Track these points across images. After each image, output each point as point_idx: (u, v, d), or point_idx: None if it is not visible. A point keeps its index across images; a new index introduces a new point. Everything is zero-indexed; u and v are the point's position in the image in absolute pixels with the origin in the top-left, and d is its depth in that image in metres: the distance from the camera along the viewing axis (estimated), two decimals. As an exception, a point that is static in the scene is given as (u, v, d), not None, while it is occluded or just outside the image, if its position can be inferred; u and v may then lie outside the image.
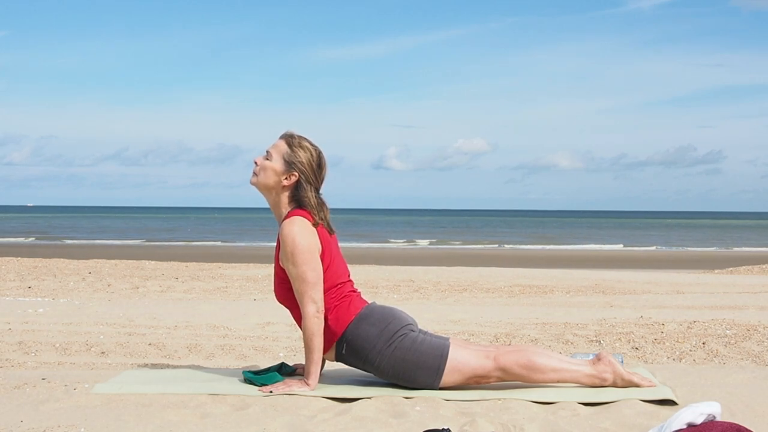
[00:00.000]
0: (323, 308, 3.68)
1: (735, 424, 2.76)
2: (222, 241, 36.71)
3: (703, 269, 17.68)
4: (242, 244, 34.68)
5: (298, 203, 3.77)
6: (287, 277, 3.74)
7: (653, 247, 35.07)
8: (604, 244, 38.03)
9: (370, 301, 3.87)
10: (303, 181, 3.75)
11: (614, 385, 3.67)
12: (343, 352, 3.75)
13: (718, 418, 2.84)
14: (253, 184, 3.83)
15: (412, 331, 3.73)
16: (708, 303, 8.59)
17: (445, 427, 3.04)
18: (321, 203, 3.78)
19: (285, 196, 3.78)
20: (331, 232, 3.80)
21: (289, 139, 3.78)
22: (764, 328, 6.25)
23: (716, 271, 16.29)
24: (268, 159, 3.78)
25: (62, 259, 16.00)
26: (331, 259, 3.75)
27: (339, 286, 3.77)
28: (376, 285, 10.74)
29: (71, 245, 31.90)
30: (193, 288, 10.35)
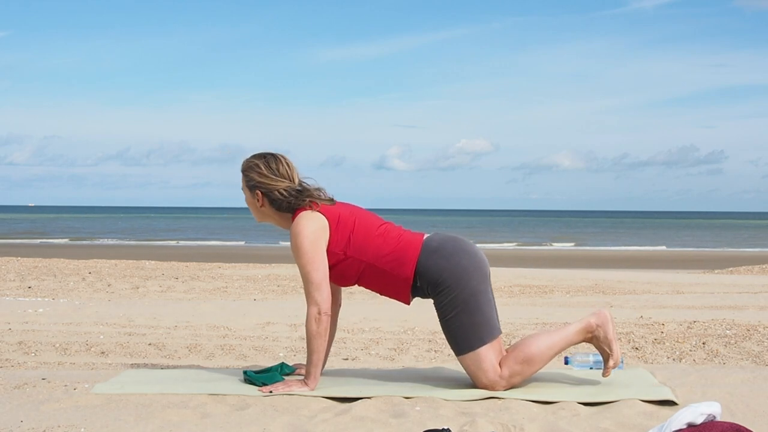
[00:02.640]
0: (328, 310, 3.67)
1: (735, 424, 2.76)
2: (222, 241, 36.70)
3: (703, 269, 17.68)
4: (242, 244, 34.67)
5: (281, 208, 3.80)
6: (331, 266, 3.75)
7: (653, 247, 35.07)
8: (604, 244, 38.03)
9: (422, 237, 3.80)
10: (266, 192, 3.80)
11: (595, 337, 3.73)
12: (418, 284, 3.73)
13: (718, 418, 2.84)
14: (260, 223, 3.97)
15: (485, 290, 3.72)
16: (708, 303, 8.59)
17: (445, 427, 3.04)
18: (299, 191, 3.79)
19: (273, 212, 3.84)
20: (331, 202, 3.81)
21: (242, 171, 3.88)
22: (764, 328, 6.25)
23: (716, 271, 16.28)
24: (246, 199, 3.90)
25: (62, 259, 16.00)
26: (354, 219, 3.75)
27: (380, 231, 3.75)
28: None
29: (71, 245, 31.89)
30: (193, 288, 10.35)
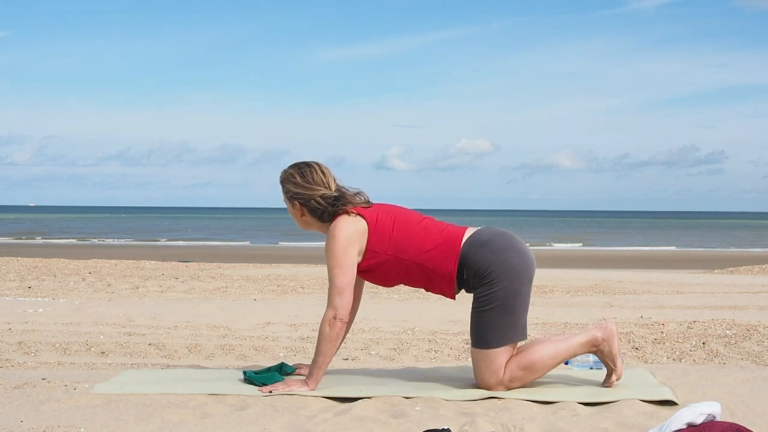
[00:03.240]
0: (345, 317, 3.66)
1: (735, 424, 2.76)
2: (222, 241, 36.71)
3: (703, 269, 17.67)
4: (242, 244, 34.68)
5: (322, 217, 3.80)
6: (370, 265, 3.75)
7: (653, 248, 35.06)
8: (604, 244, 38.02)
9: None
10: (304, 202, 3.80)
11: (600, 350, 3.73)
12: (464, 277, 3.71)
13: (718, 418, 2.84)
14: (305, 230, 3.98)
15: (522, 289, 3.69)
16: (708, 303, 8.59)
17: (445, 427, 3.04)
18: (336, 197, 3.78)
19: (314, 220, 3.83)
20: (368, 204, 3.80)
21: (280, 183, 3.89)
22: (764, 328, 6.25)
23: (716, 271, 16.28)
24: (288, 210, 3.90)
25: (62, 259, 16.00)
26: (393, 218, 3.75)
27: (421, 227, 3.75)
28: (377, 285, 10.72)
29: (71, 245, 31.89)
30: (193, 288, 10.35)
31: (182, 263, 15.48)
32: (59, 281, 10.92)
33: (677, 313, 7.53)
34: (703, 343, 5.62)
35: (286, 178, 3.85)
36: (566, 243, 38.06)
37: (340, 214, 3.74)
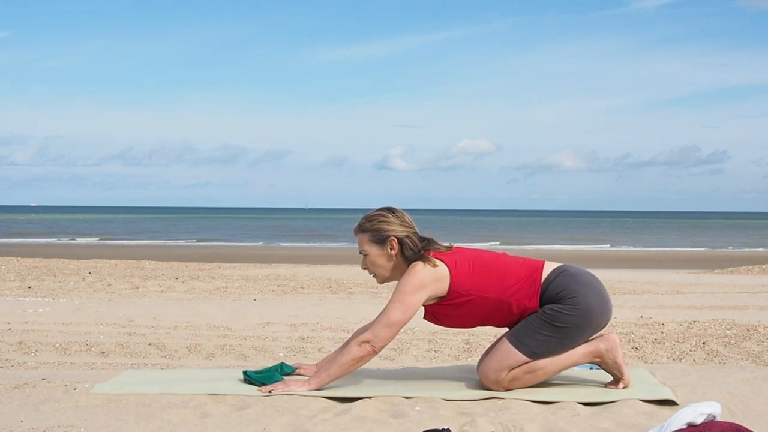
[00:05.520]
0: (378, 349, 3.64)
1: (735, 424, 2.76)
2: (222, 241, 36.71)
3: (703, 269, 17.67)
4: (242, 244, 34.67)
5: (411, 257, 3.76)
6: (443, 309, 3.74)
7: (655, 248, 35.06)
8: (605, 244, 38.02)
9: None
10: (401, 239, 3.76)
11: (604, 362, 3.73)
12: (544, 298, 3.71)
13: (718, 418, 2.84)
14: (384, 282, 3.90)
15: (584, 325, 3.68)
16: (708, 303, 8.59)
17: (445, 427, 3.04)
18: (425, 238, 3.79)
19: (401, 262, 3.78)
20: (449, 248, 3.80)
21: (365, 224, 3.82)
22: (764, 328, 6.25)
23: (716, 271, 16.28)
24: (367, 255, 3.83)
25: (62, 259, 16.00)
26: (471, 259, 3.74)
27: (499, 264, 3.75)
28: (376, 285, 10.73)
29: (71, 245, 31.89)
30: (193, 288, 10.35)
31: (182, 263, 15.48)
32: (59, 281, 10.92)
33: (677, 313, 7.53)
34: (703, 343, 5.62)
35: (376, 219, 3.80)
36: (566, 243, 38.08)
37: (420, 259, 3.74)
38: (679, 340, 5.74)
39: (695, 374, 4.18)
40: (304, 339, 5.82)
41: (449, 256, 3.75)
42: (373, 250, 3.80)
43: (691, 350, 5.42)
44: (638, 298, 9.40)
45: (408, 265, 3.74)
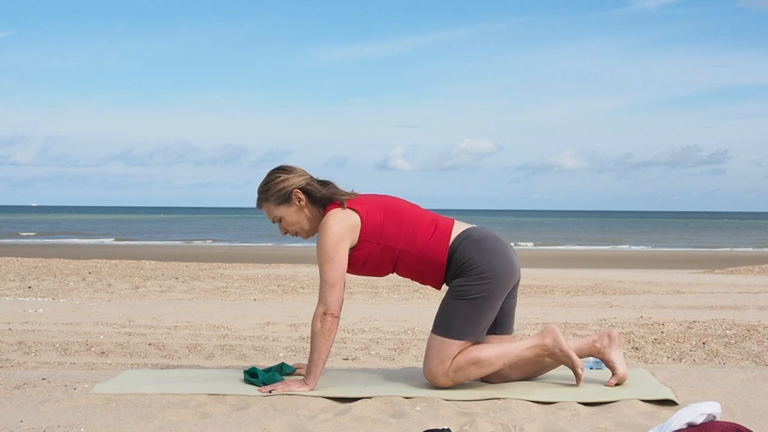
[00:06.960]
0: (336, 312, 3.65)
1: (735, 424, 2.76)
2: (222, 241, 36.70)
3: (703, 269, 17.66)
4: (242, 244, 34.67)
5: (320, 201, 3.79)
6: (362, 255, 3.74)
7: (655, 248, 35.05)
8: (605, 244, 38.02)
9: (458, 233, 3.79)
10: (302, 188, 3.79)
11: (552, 354, 3.74)
12: (449, 268, 3.74)
13: (718, 418, 2.84)
14: (310, 236, 3.90)
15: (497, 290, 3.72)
16: (708, 303, 8.59)
17: (445, 427, 3.04)
18: (323, 181, 3.83)
19: (315, 210, 3.81)
20: (354, 196, 3.80)
21: (264, 194, 3.84)
22: (764, 328, 6.25)
23: (716, 271, 16.28)
24: (281, 219, 3.84)
25: (62, 259, 16.00)
26: (384, 208, 3.76)
27: (411, 217, 3.77)
28: (376, 285, 10.73)
29: (71, 245, 31.88)
30: (193, 288, 10.35)
31: (182, 263, 15.48)
32: (59, 281, 10.92)
33: (677, 313, 7.53)
34: (703, 343, 5.62)
35: (271, 181, 3.82)
36: (566, 244, 38.08)
37: (334, 205, 3.75)
38: (679, 340, 5.74)
39: (695, 374, 4.18)
40: (303, 339, 5.82)
41: (361, 205, 3.76)
42: (284, 211, 3.82)
43: (691, 350, 5.42)
44: (638, 298, 9.40)
45: (322, 211, 3.78)
